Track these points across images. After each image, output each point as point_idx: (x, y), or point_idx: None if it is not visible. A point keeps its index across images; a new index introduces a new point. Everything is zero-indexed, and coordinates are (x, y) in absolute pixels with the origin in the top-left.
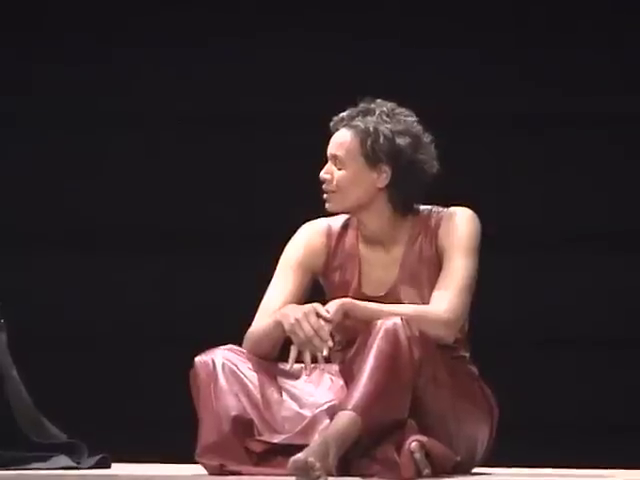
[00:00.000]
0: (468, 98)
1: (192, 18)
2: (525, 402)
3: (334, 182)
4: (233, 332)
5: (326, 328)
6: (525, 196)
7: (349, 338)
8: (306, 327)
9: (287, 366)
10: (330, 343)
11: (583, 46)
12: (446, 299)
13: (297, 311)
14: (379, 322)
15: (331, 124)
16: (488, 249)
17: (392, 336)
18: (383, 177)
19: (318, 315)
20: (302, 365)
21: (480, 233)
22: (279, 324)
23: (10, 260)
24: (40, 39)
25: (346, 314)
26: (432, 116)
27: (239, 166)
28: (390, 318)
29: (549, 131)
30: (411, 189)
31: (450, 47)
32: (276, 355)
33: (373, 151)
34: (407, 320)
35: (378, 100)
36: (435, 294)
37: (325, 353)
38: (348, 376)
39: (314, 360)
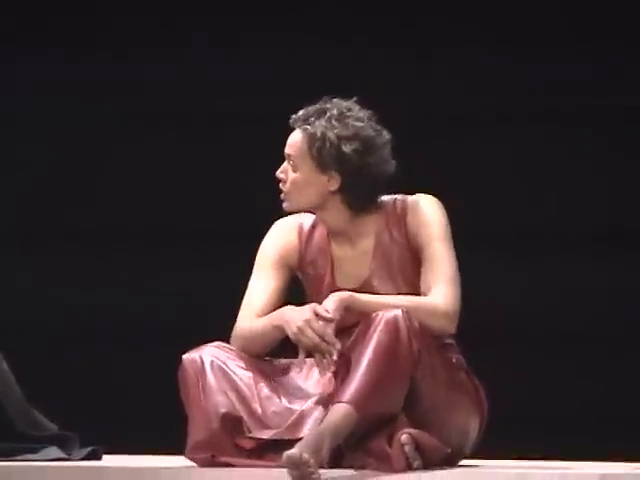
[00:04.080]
0: (464, 95)
1: (189, 16)
2: (516, 396)
3: (288, 182)
4: (220, 328)
5: (330, 331)
6: (520, 194)
7: (342, 327)
8: (310, 334)
9: (277, 362)
10: (338, 346)
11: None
12: (442, 290)
13: (298, 318)
14: (379, 313)
15: (290, 121)
16: (489, 246)
17: (392, 328)
18: (333, 181)
19: (318, 316)
20: (291, 360)
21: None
22: (278, 328)
23: (8, 258)
24: (38, 39)
25: (347, 308)
26: (418, 114)
27: (225, 164)
28: (390, 310)
29: (547, 127)
30: (364, 191)
31: (449, 47)
32: (268, 353)
33: (320, 157)
34: (407, 312)
35: (335, 100)
36: (429, 286)
37: (335, 357)
38: (345, 366)
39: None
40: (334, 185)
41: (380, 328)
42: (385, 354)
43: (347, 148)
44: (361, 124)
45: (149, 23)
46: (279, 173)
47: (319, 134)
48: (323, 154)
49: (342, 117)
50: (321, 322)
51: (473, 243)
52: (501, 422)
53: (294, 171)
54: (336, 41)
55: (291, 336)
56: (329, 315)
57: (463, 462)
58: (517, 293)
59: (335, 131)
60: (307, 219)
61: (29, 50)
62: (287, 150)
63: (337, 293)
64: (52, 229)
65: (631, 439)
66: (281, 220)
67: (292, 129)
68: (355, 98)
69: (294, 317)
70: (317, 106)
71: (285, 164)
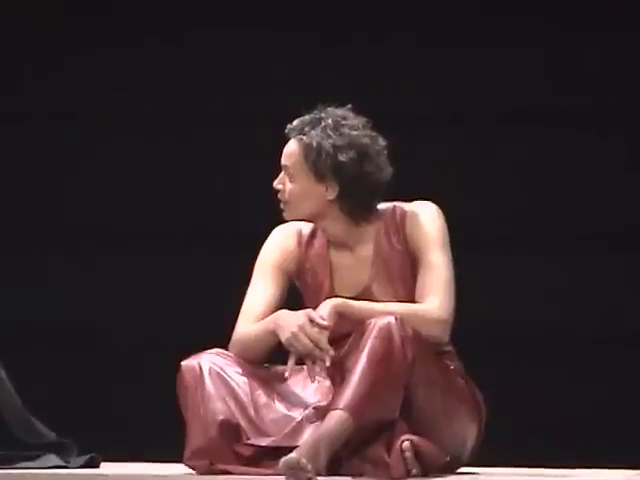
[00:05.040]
0: (458, 95)
1: (177, 15)
2: (515, 403)
3: (286, 193)
4: (220, 335)
5: (324, 338)
6: (512, 195)
7: (336, 335)
8: (304, 341)
9: (275, 369)
10: (331, 352)
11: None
12: (436, 297)
13: (292, 323)
14: (373, 321)
15: (286, 131)
16: (489, 249)
17: (386, 335)
18: (331, 191)
19: (312, 322)
20: (287, 367)
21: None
22: (272, 333)
23: (2, 259)
24: (33, 38)
25: (340, 315)
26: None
27: (223, 164)
28: (384, 317)
29: (536, 129)
30: (361, 200)
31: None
32: (266, 359)
33: (316, 167)
34: (401, 319)
35: (329, 109)
36: (423, 293)
37: (328, 363)
38: (340, 374)
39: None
40: (332, 194)
41: (374, 335)
42: (379, 361)
43: (343, 157)
44: (356, 132)
45: (138, 22)
46: (276, 184)
47: (315, 144)
48: (319, 164)
49: (337, 126)
50: (315, 328)
51: (465, 248)
52: (500, 429)
53: (291, 182)
54: (332, 41)
55: (284, 341)
56: (324, 322)
57: (462, 470)
58: (515, 297)
59: (330, 141)
60: (306, 226)
61: (23, 49)
62: (283, 161)
63: (330, 300)
64: (49, 230)
65: (631, 445)
66: (280, 227)
67: (287, 139)
68: (350, 105)
69: (288, 322)
70: (312, 115)
71: (282, 175)
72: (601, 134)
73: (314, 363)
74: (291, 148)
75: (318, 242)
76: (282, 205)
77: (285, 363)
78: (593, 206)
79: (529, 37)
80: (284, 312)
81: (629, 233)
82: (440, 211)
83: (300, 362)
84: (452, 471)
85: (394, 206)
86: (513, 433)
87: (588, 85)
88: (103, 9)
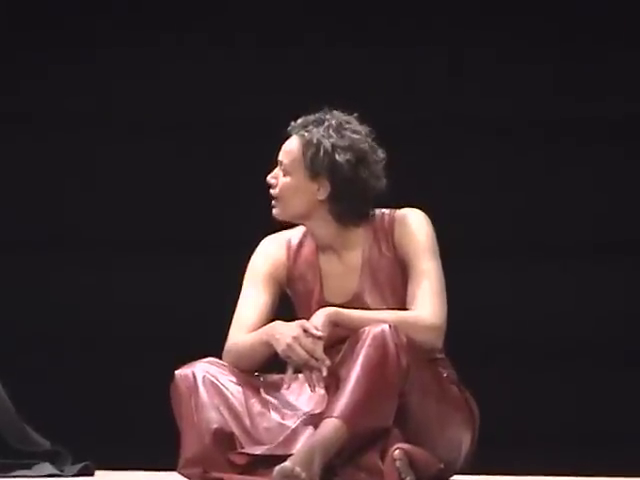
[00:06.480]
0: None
1: (183, 22)
2: (510, 411)
3: (278, 187)
4: (219, 336)
5: (319, 349)
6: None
7: (330, 342)
8: (300, 352)
9: (269, 377)
10: (327, 362)
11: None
12: (428, 304)
13: (286, 334)
14: (367, 329)
15: (289, 128)
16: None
17: (380, 343)
18: (322, 190)
19: (307, 332)
20: (282, 376)
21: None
22: (267, 344)
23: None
24: (33, 38)
25: (334, 324)
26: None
27: (223, 166)
28: (378, 325)
29: (544, 137)
30: (352, 204)
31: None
32: (259, 368)
33: (312, 164)
34: (395, 327)
35: (335, 112)
36: (414, 300)
37: (324, 373)
38: (334, 382)
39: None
40: (323, 194)
41: (368, 343)
42: (373, 369)
43: (340, 158)
44: (358, 136)
45: (138, 23)
46: (270, 178)
47: (315, 141)
48: (316, 161)
49: (340, 128)
50: (310, 339)
51: (464, 251)
52: (494, 437)
53: (285, 176)
54: (333, 42)
55: (280, 353)
56: (318, 332)
57: (455, 477)
58: (514, 301)
59: (331, 140)
60: (295, 235)
61: (21, 51)
62: (281, 156)
63: (323, 309)
64: (49, 231)
65: (630, 453)
66: (269, 237)
67: (288, 136)
68: (356, 114)
69: (283, 334)
70: (317, 115)
71: (277, 169)
72: (601, 140)
73: (312, 373)
74: (291, 143)
75: (307, 250)
76: (273, 202)
77: (279, 372)
78: (593, 210)
79: (529, 38)
80: (278, 323)
81: (629, 237)
82: (428, 218)
83: (298, 372)
84: (446, 479)
85: (382, 213)
86: (508, 440)
87: (589, 90)
88: (103, 9)
